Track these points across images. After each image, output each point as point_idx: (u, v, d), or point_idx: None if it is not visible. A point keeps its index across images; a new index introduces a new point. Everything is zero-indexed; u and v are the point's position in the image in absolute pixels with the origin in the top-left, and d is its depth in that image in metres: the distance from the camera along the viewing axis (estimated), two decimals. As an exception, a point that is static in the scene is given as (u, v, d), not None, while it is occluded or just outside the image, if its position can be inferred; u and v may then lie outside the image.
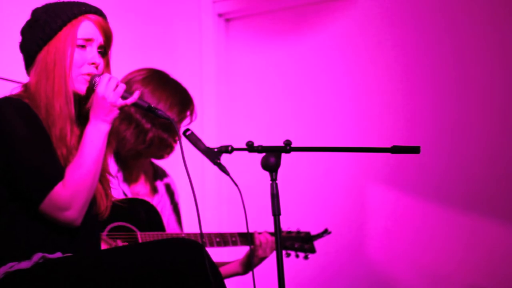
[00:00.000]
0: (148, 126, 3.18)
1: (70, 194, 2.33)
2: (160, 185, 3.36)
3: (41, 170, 2.33)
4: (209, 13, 4.64)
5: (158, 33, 4.45)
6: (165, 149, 3.25)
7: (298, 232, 3.43)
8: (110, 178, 2.56)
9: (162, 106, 3.17)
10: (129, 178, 3.26)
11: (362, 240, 4.19)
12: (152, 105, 2.45)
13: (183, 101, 3.24)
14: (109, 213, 2.78)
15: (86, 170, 2.36)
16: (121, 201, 3.10)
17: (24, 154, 2.33)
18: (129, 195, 3.22)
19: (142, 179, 3.33)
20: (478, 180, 3.89)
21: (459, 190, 3.94)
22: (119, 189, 3.20)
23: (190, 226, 3.49)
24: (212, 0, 4.64)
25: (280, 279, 2.54)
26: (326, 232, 3.40)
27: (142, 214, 3.12)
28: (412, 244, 4.05)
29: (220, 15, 4.68)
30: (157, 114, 2.46)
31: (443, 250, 3.97)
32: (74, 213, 2.35)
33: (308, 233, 3.44)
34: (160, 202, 3.32)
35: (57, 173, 2.34)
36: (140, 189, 3.29)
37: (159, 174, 3.38)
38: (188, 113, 3.25)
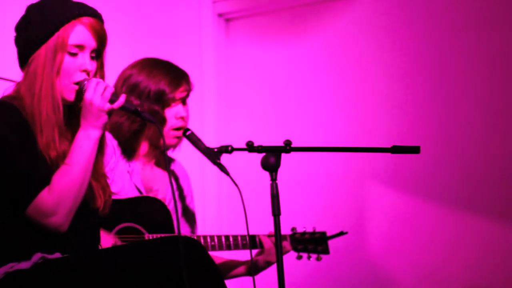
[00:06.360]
0: (137, 102, 3.16)
1: (55, 200, 2.32)
2: (173, 187, 3.33)
3: (27, 176, 2.32)
4: (209, 13, 4.64)
5: (158, 33, 4.45)
6: (162, 125, 3.20)
7: (313, 233, 3.39)
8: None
9: (164, 84, 3.18)
10: (142, 173, 3.26)
11: (362, 240, 4.19)
12: (139, 108, 2.46)
13: (180, 75, 3.25)
14: (118, 213, 2.78)
15: (74, 176, 2.35)
16: (133, 199, 3.10)
17: (10, 160, 2.32)
18: (142, 190, 3.20)
19: (155, 176, 3.31)
20: (478, 180, 3.89)
21: (459, 190, 3.94)
22: (131, 184, 3.18)
23: (201, 229, 3.50)
24: (212, 0, 4.64)
25: (280, 279, 2.54)
26: (342, 233, 3.36)
27: (152, 214, 3.11)
28: (412, 244, 4.05)
29: (220, 15, 4.68)
30: (142, 117, 2.47)
31: (443, 250, 3.96)
32: (59, 219, 2.34)
33: (323, 233, 3.39)
34: (171, 203, 3.30)
35: (43, 179, 2.33)
36: (154, 185, 3.28)
37: (174, 175, 3.36)
38: (186, 86, 3.25)
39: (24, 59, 2.43)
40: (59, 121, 2.39)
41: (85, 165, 2.37)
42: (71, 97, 2.42)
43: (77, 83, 2.42)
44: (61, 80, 2.40)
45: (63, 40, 2.39)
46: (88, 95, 2.38)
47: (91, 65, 2.43)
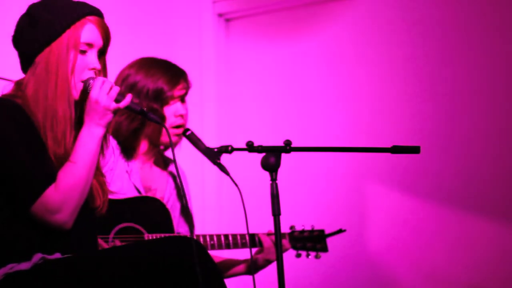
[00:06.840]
0: (136, 101, 3.15)
1: (61, 197, 2.32)
2: (171, 186, 3.34)
3: (33, 173, 2.32)
4: (209, 13, 4.64)
5: (158, 33, 4.45)
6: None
7: (311, 231, 3.39)
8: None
9: (162, 83, 3.18)
10: (141, 171, 3.25)
11: (362, 240, 4.19)
12: (145, 109, 2.46)
13: (177, 73, 3.26)
14: (118, 213, 2.77)
15: (79, 174, 2.35)
16: (133, 199, 3.09)
17: (16, 157, 2.32)
18: (141, 189, 3.19)
19: (154, 175, 3.31)
20: (478, 180, 3.89)
21: (459, 190, 3.94)
22: (130, 184, 3.18)
23: (201, 229, 3.49)
24: (212, 0, 4.64)
25: (280, 279, 2.54)
26: (340, 230, 3.36)
27: (152, 213, 3.11)
28: (412, 244, 4.05)
29: (220, 15, 4.68)
30: (148, 117, 2.47)
31: (443, 250, 3.96)
32: (64, 216, 2.34)
33: (322, 231, 3.39)
34: (169, 202, 3.30)
35: (49, 176, 2.33)
36: (152, 184, 3.28)
37: (173, 176, 3.36)
38: (185, 84, 3.25)
39: (28, 60, 2.42)
40: (72, 118, 2.40)
41: (89, 163, 2.37)
42: (76, 95, 2.42)
43: (82, 81, 2.42)
44: (73, 78, 2.40)
45: (75, 38, 2.39)
46: (94, 93, 2.38)
47: (99, 65, 2.44)
